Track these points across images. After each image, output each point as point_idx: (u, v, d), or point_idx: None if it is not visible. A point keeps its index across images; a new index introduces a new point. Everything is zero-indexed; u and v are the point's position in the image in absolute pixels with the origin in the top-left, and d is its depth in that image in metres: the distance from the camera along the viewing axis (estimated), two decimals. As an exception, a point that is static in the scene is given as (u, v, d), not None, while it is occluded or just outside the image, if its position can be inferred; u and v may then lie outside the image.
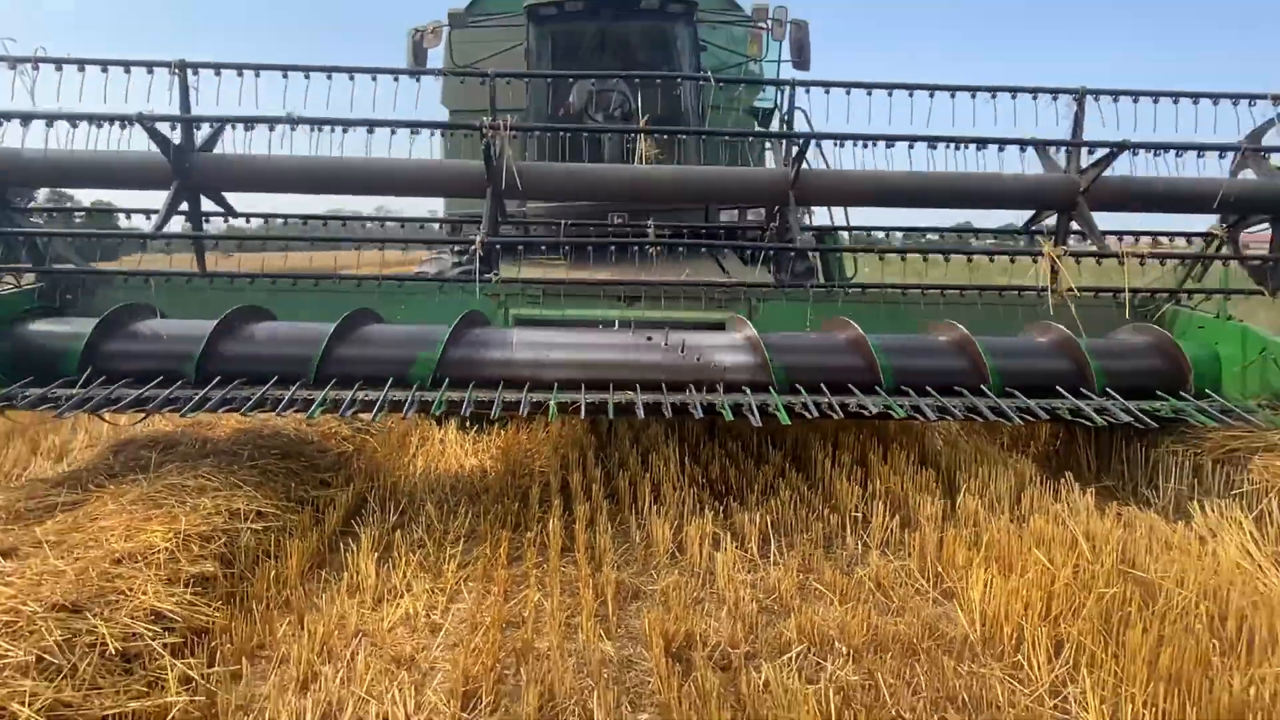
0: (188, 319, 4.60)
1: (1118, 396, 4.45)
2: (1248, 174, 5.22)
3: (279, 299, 5.01)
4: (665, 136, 5.14)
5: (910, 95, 4.91)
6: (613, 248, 5.18)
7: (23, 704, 2.34)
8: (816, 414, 4.14)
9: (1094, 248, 5.19)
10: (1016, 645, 2.98)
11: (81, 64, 4.59)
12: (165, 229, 4.81)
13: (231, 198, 5.14)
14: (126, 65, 4.63)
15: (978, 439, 5.50)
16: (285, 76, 4.65)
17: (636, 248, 5.17)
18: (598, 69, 6.45)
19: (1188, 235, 5.66)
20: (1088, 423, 4.29)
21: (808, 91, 4.92)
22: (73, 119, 4.58)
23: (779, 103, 6.92)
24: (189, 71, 4.63)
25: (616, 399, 4.15)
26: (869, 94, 4.91)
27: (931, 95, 4.94)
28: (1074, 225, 5.22)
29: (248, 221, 5.37)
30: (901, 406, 4.17)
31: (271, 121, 4.63)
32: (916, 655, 2.98)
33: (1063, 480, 4.33)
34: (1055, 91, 5.02)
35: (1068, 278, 4.74)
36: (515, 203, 5.65)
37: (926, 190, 4.96)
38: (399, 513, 4.44)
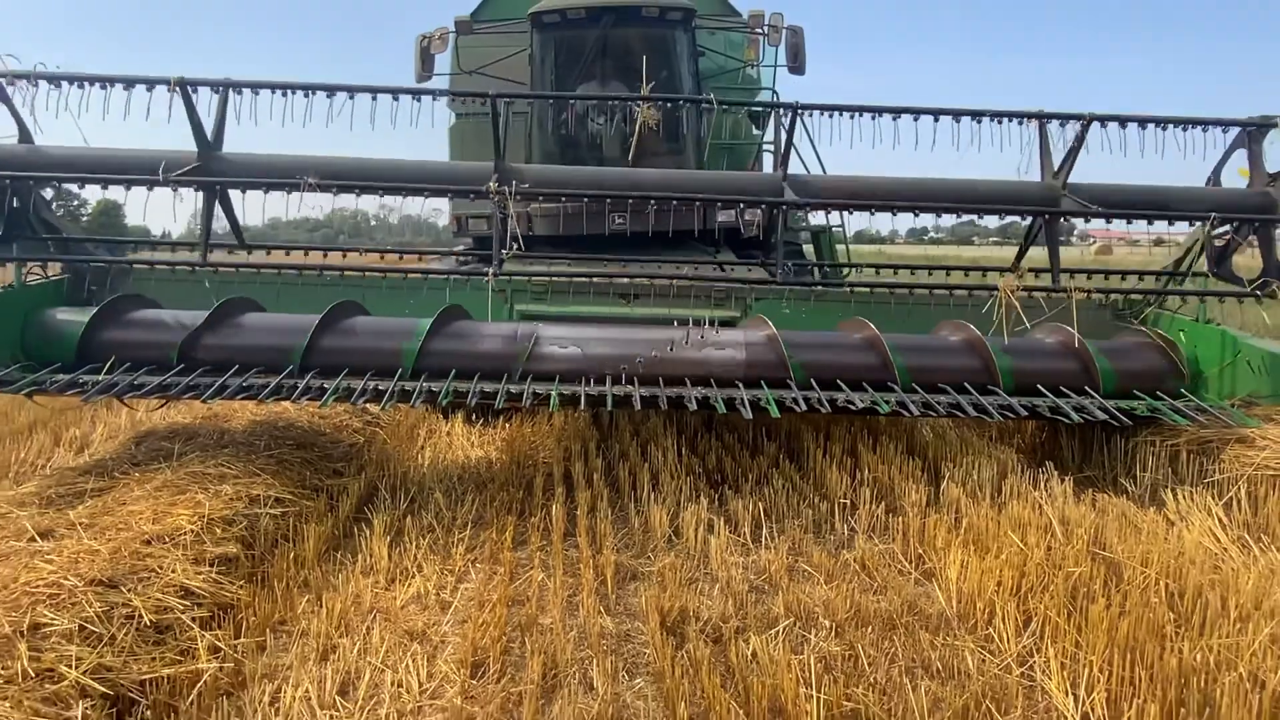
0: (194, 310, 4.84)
1: (1192, 396, 4.71)
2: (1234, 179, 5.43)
3: (294, 293, 5.23)
4: (666, 104, 5.29)
5: (895, 119, 5.11)
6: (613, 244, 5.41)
7: (70, 667, 2.56)
8: (830, 409, 4.38)
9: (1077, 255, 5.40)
10: (988, 619, 3.19)
11: (96, 80, 4.80)
12: (176, 230, 5.07)
13: (252, 197, 5.35)
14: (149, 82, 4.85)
15: (964, 431, 5.69)
16: (307, 95, 4.86)
17: (636, 246, 5.39)
18: (599, 74, 6.66)
19: (1186, 215, 5.85)
20: (1064, 420, 4.50)
21: (802, 117, 5.11)
22: (107, 80, 4.76)
23: (779, 116, 7.14)
24: (193, 89, 4.84)
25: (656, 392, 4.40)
26: (853, 117, 5.12)
27: (916, 119, 5.13)
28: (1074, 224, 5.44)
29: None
30: (915, 404, 4.40)
31: (285, 86, 4.84)
32: (895, 629, 3.18)
33: (1042, 470, 4.53)
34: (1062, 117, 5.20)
35: (1021, 315, 4.94)
36: (520, 203, 5.85)
37: (911, 195, 5.15)
38: (409, 500, 4.65)
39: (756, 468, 5.09)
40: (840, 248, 7.53)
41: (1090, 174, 5.29)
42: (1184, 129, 5.17)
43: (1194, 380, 5.04)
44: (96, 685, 2.54)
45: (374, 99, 4.92)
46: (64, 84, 4.77)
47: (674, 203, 5.20)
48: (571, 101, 6.07)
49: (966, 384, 4.66)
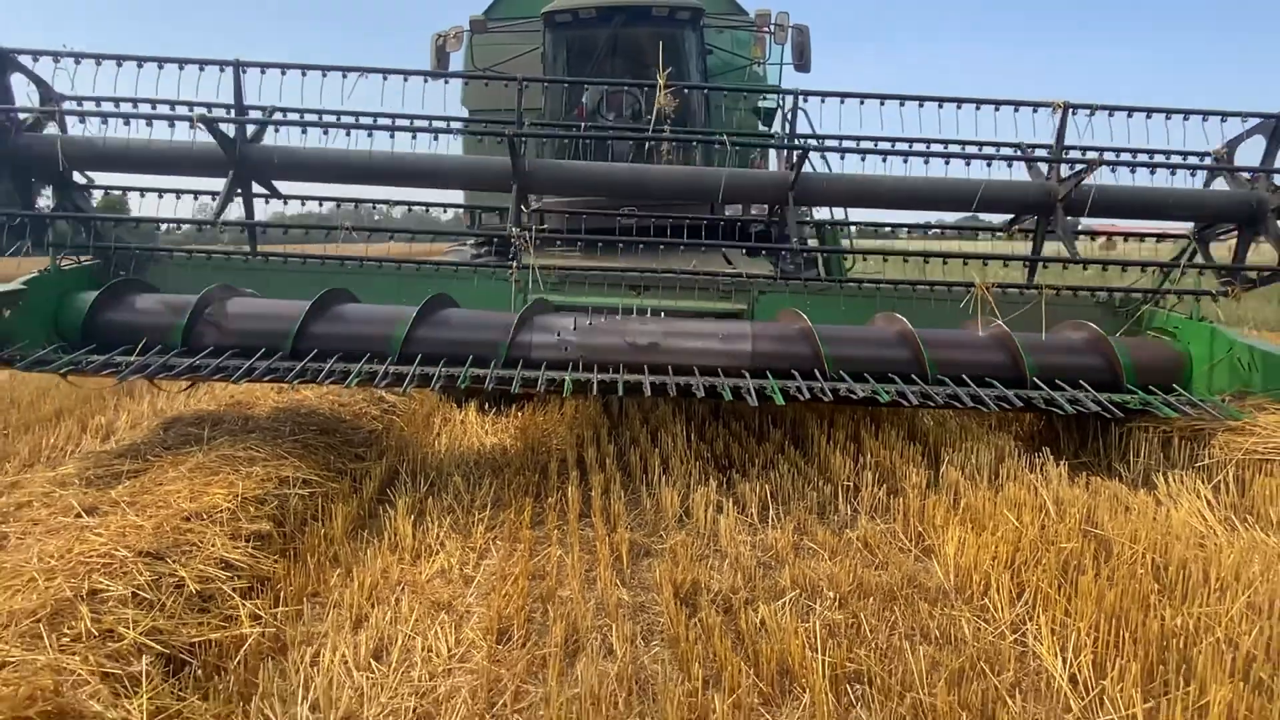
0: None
1: (1138, 390, 4.88)
2: (1220, 184, 5.58)
3: (315, 280, 5.41)
4: (684, 91, 5.44)
5: (901, 105, 5.26)
6: (621, 242, 5.59)
7: (128, 628, 2.75)
8: (860, 398, 4.58)
9: (1066, 252, 5.55)
10: (984, 591, 3.37)
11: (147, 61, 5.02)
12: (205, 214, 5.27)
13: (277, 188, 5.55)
14: (181, 63, 5.06)
15: (965, 419, 5.87)
16: (324, 75, 5.04)
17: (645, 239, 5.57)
18: (609, 71, 6.83)
19: (1176, 230, 6.02)
20: (1058, 411, 4.68)
21: (806, 101, 5.28)
22: (140, 116, 4.99)
23: (780, 104, 7.29)
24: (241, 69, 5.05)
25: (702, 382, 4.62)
26: (861, 103, 5.27)
27: (921, 105, 5.29)
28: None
29: (301, 204, 5.71)
30: (940, 396, 4.59)
31: (316, 112, 5.05)
32: (896, 600, 3.37)
33: (1039, 455, 4.70)
34: (1038, 104, 5.37)
35: (995, 309, 5.14)
36: (533, 197, 6.04)
37: (916, 195, 5.32)
38: (429, 483, 4.84)
39: (763, 453, 5.27)
40: (844, 242, 7.70)
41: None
42: (1197, 117, 5.29)
43: (1186, 375, 5.22)
44: (153, 645, 2.73)
45: (405, 80, 5.11)
46: (94, 63, 4.99)
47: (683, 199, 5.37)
48: (583, 99, 6.24)
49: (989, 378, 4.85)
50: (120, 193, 5.77)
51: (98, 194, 5.73)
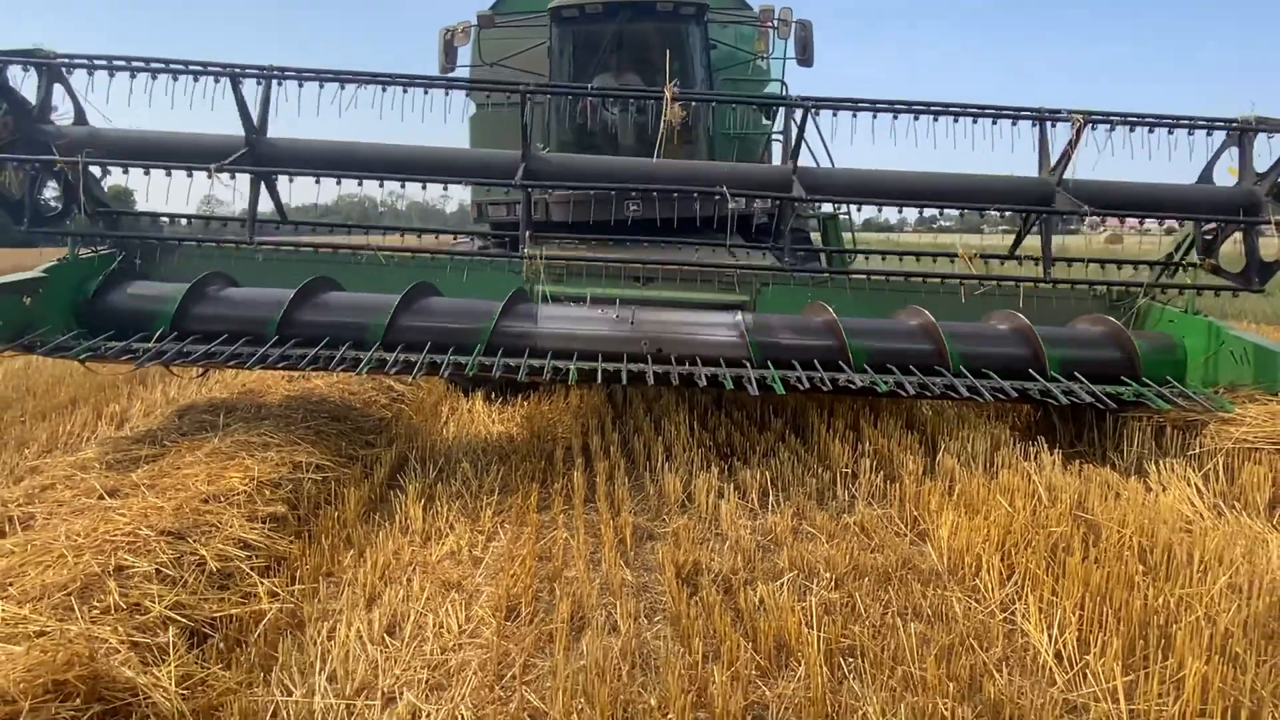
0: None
1: (1151, 383, 5.01)
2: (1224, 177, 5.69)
3: (326, 270, 5.54)
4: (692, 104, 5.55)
5: (894, 118, 5.38)
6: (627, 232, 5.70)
7: (153, 602, 2.88)
8: (887, 389, 4.70)
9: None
10: (976, 572, 3.49)
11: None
12: (213, 209, 5.39)
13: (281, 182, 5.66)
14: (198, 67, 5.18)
15: (962, 408, 5.97)
16: (342, 86, 5.17)
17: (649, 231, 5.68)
18: (615, 66, 6.93)
19: (1178, 216, 6.11)
20: (1053, 402, 4.79)
21: (814, 114, 5.40)
22: (162, 71, 5.12)
23: (784, 95, 7.40)
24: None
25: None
26: (855, 115, 5.39)
27: (915, 118, 5.41)
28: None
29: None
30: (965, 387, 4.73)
31: (328, 77, 5.18)
32: (890, 581, 3.48)
33: (1033, 444, 4.81)
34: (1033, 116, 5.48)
35: (972, 268, 5.28)
36: (539, 190, 6.15)
37: (916, 188, 5.43)
38: (437, 469, 4.96)
39: (764, 442, 5.38)
40: (846, 235, 7.81)
41: (1092, 165, 5.59)
42: (1169, 130, 5.42)
43: (1181, 367, 5.32)
44: (177, 618, 2.86)
45: (405, 91, 5.21)
46: (118, 71, 5.11)
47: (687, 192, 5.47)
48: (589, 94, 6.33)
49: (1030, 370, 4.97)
50: (125, 185, 5.91)
51: (106, 182, 5.83)
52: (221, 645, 2.94)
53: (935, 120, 5.40)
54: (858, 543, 3.89)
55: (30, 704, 2.11)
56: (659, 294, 5.60)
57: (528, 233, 5.16)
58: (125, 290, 5.18)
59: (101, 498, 3.78)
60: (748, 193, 5.50)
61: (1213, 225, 5.65)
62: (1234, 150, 5.57)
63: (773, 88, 8.16)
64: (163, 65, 5.13)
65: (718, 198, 5.22)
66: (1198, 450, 4.60)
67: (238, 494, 3.90)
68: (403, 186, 5.25)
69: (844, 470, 4.74)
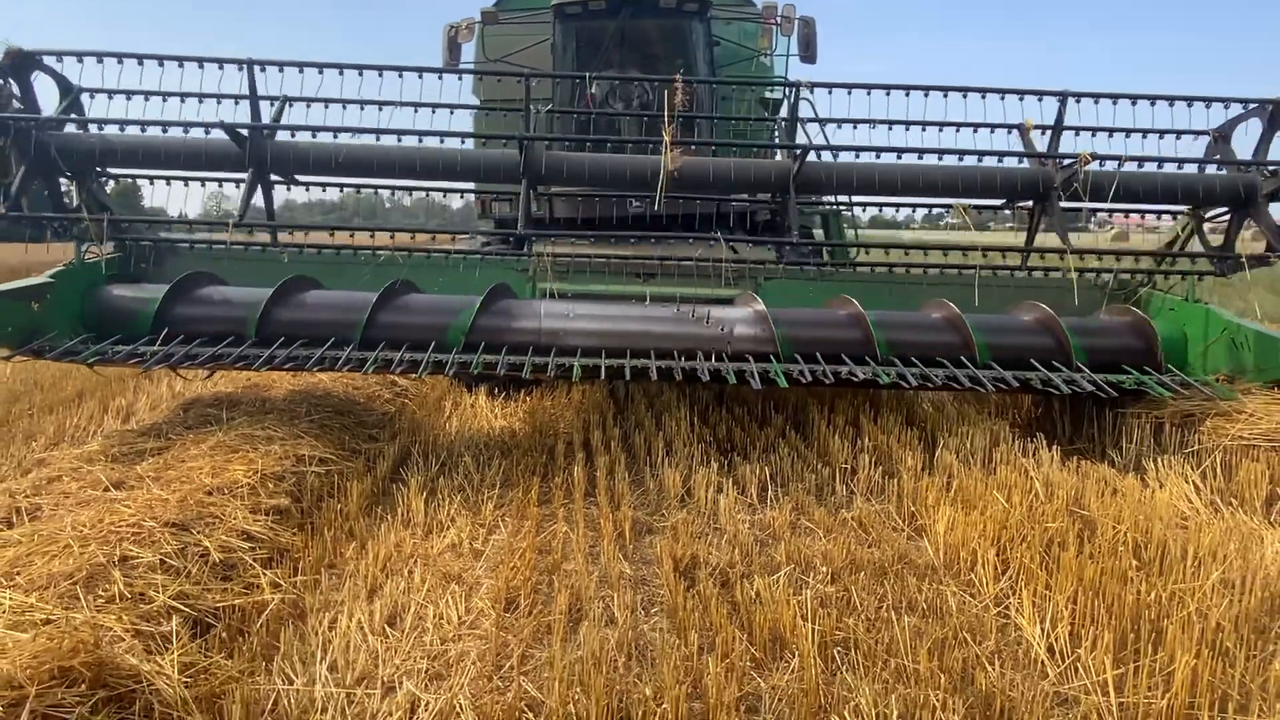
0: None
1: (1177, 372, 5.08)
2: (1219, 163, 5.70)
3: (327, 270, 5.58)
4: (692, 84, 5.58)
5: (906, 95, 5.40)
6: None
7: (157, 592, 2.92)
8: (915, 385, 4.74)
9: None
10: (971, 567, 3.52)
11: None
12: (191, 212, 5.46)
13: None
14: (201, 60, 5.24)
15: (963, 405, 6.00)
16: (341, 74, 5.20)
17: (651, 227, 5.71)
18: (618, 62, 6.96)
19: (1169, 211, 6.14)
20: (1055, 391, 4.82)
21: (813, 93, 5.42)
22: (157, 123, 5.19)
23: (786, 95, 7.42)
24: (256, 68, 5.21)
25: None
26: (869, 93, 5.41)
27: (926, 94, 5.42)
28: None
29: (322, 190, 5.90)
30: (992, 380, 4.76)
31: (331, 102, 5.22)
32: (886, 575, 3.51)
33: (1032, 440, 4.83)
34: (1040, 93, 5.50)
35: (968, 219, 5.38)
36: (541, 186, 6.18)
37: (917, 182, 5.45)
38: (440, 463, 5.00)
39: (764, 437, 5.41)
40: (848, 230, 7.83)
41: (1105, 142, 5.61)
42: (1188, 105, 5.42)
43: (1182, 356, 5.34)
44: (181, 608, 2.90)
45: (420, 77, 5.27)
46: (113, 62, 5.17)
47: (690, 189, 5.50)
48: (591, 90, 6.37)
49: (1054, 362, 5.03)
50: (132, 182, 5.96)
51: (109, 183, 5.89)
52: (224, 635, 2.98)
53: (946, 96, 5.43)
54: (855, 537, 3.92)
55: (36, 689, 2.15)
56: (661, 290, 5.62)
57: (532, 232, 5.18)
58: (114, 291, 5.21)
59: (107, 489, 3.82)
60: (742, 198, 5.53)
61: (1215, 215, 5.67)
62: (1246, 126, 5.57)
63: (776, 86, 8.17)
64: (161, 68, 5.21)
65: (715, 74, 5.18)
66: (1196, 447, 4.62)
67: (241, 486, 3.95)
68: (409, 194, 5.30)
69: (843, 466, 4.77)
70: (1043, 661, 2.83)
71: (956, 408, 5.92)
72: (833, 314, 5.24)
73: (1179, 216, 6.00)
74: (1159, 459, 4.59)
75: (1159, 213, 6.24)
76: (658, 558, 3.70)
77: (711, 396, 6.23)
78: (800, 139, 5.61)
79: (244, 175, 5.24)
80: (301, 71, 5.24)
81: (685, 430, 5.40)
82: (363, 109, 5.34)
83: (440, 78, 5.46)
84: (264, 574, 3.38)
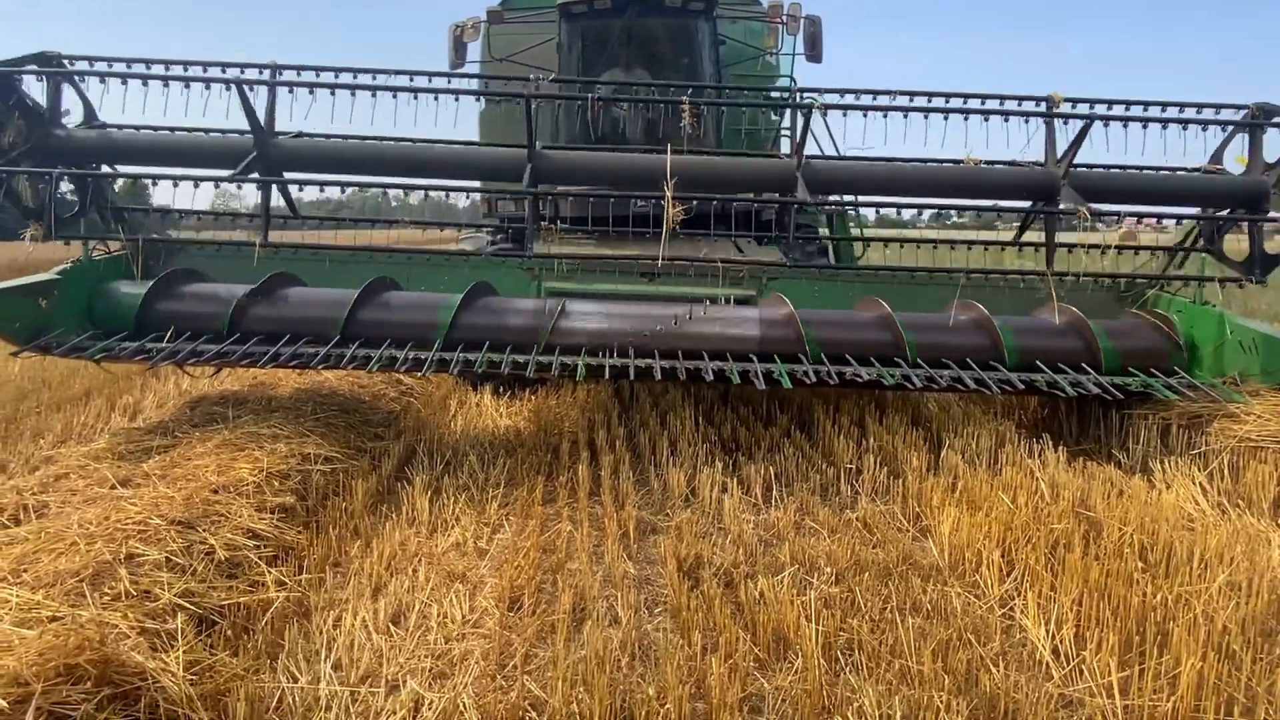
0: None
1: (1184, 374, 5.05)
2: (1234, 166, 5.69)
3: (330, 269, 5.58)
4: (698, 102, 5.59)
5: (905, 118, 5.42)
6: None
7: (163, 590, 2.93)
8: (944, 386, 4.75)
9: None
10: (976, 568, 3.51)
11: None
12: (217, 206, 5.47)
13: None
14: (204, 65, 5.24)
15: (969, 406, 5.98)
16: (354, 95, 5.24)
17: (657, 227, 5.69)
18: (624, 62, 6.95)
19: (1177, 217, 6.12)
20: (1061, 393, 4.81)
21: (824, 115, 5.43)
22: (169, 78, 5.19)
23: (795, 112, 7.42)
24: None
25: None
26: (885, 116, 5.44)
27: (926, 118, 5.44)
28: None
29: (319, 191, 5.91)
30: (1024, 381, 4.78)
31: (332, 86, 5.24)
32: (891, 576, 3.50)
33: (1038, 441, 4.82)
34: (1033, 100, 5.51)
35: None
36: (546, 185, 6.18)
37: (922, 182, 5.44)
38: (445, 462, 5.01)
39: (769, 437, 5.41)
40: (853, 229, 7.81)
41: (1103, 151, 5.60)
42: (1183, 126, 5.42)
43: (1189, 358, 5.32)
44: (186, 605, 2.91)
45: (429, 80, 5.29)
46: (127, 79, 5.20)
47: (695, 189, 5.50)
48: (597, 90, 6.36)
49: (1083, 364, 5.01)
50: (139, 179, 5.97)
51: (118, 181, 5.91)
52: (229, 632, 2.99)
53: (946, 119, 5.43)
54: (859, 538, 3.92)
55: (42, 686, 2.16)
56: (667, 289, 5.61)
57: (539, 231, 5.19)
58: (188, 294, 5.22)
59: (114, 487, 3.84)
60: (746, 197, 5.54)
61: (1221, 217, 5.65)
62: (1242, 139, 5.56)
63: (782, 84, 8.16)
64: (168, 72, 5.21)
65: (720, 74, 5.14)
66: (1203, 448, 4.60)
67: (247, 485, 3.96)
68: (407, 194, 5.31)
69: (848, 466, 4.76)
70: (1047, 663, 2.82)
71: (962, 408, 5.91)
72: (862, 316, 5.23)
73: (1183, 222, 5.97)
74: (1166, 460, 4.57)
75: (1163, 217, 6.20)
76: (662, 557, 3.70)
77: (716, 396, 6.23)
78: (809, 148, 5.60)
79: (254, 177, 5.24)
80: (318, 75, 5.25)
81: (690, 430, 5.40)
82: (374, 96, 5.33)
83: (449, 81, 5.47)
84: (269, 572, 3.39)
